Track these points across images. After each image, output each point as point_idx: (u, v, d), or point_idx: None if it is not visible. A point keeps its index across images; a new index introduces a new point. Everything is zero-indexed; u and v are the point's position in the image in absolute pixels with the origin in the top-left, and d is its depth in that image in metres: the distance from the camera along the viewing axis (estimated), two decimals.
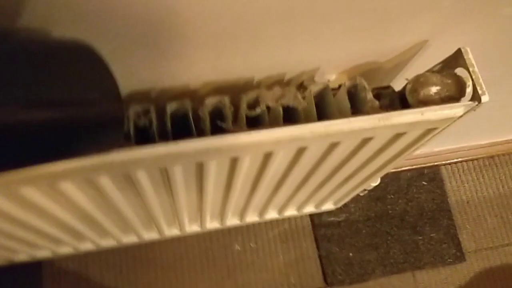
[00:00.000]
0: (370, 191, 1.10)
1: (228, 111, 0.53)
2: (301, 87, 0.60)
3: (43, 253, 0.93)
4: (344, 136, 0.54)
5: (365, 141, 0.58)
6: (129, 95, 0.57)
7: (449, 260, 1.13)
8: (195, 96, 0.60)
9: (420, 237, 1.14)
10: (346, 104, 0.54)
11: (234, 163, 0.57)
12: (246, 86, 0.60)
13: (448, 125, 0.57)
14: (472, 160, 1.21)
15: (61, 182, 0.51)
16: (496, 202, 1.20)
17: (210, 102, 0.54)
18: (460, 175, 1.20)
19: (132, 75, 0.53)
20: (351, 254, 1.12)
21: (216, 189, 0.70)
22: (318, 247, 1.13)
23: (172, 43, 0.48)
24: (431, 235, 1.15)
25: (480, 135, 1.14)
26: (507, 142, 1.18)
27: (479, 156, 1.20)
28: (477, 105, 0.53)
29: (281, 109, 0.53)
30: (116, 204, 0.65)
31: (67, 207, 0.63)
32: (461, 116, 0.54)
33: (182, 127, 0.54)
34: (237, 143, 0.50)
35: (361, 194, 1.10)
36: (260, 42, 0.51)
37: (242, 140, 0.50)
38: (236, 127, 0.53)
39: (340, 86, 0.59)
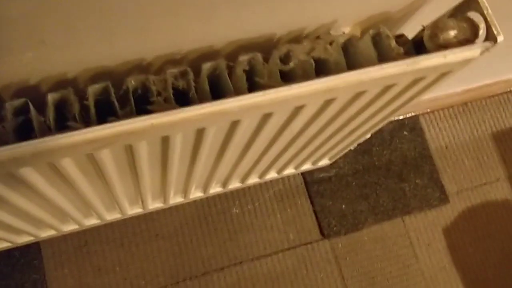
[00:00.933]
0: (356, 146, 1.14)
1: (262, 67, 0.54)
2: (318, 40, 0.61)
3: (47, 233, 0.91)
4: (373, 84, 0.56)
5: (386, 89, 0.61)
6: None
7: (434, 203, 1.20)
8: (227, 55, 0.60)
9: (406, 184, 1.20)
10: (373, 52, 0.56)
11: (265, 119, 0.58)
12: (266, 43, 0.61)
13: (463, 68, 0.60)
14: (448, 108, 1.27)
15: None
16: (472, 146, 1.27)
17: (243, 58, 0.54)
18: (438, 123, 1.27)
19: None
20: (343, 206, 1.17)
21: (235, 150, 0.71)
22: (312, 203, 1.16)
23: None
24: (416, 181, 1.21)
25: (456, 83, 1.20)
26: (479, 88, 1.25)
27: (454, 103, 1.27)
28: (493, 45, 0.56)
29: (313, 62, 0.55)
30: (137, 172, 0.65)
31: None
32: (477, 57, 0.58)
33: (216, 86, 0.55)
34: (273, 98, 0.51)
35: (352, 148, 1.14)
36: None
37: (280, 94, 0.51)
38: (270, 82, 0.53)
39: (356, 37, 0.61)
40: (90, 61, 0.53)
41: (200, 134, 0.58)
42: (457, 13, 0.60)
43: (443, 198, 1.21)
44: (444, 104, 1.25)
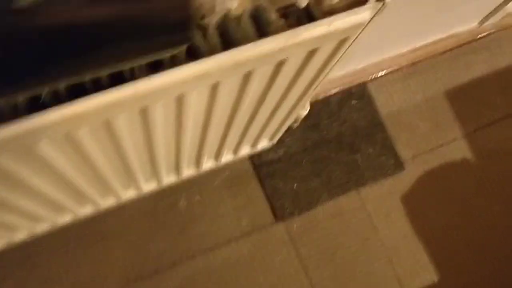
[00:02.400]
0: (303, 121, 1.10)
1: None
2: (203, 19, 0.56)
3: None
4: (256, 63, 0.51)
5: (280, 65, 0.56)
6: None
7: (389, 171, 1.16)
8: None
9: (359, 155, 1.16)
10: (249, 29, 0.51)
11: (144, 114, 0.54)
12: None
13: (360, 32, 0.55)
14: (396, 70, 1.22)
15: None
16: (425, 107, 1.23)
17: None
18: (387, 88, 1.22)
19: None
20: (295, 185, 1.13)
21: (137, 143, 0.66)
22: (263, 186, 1.12)
23: None
24: (369, 151, 1.17)
25: (399, 44, 1.15)
26: (426, 46, 1.20)
27: (402, 64, 1.22)
28: (383, 5, 0.52)
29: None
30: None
31: None
32: (370, 20, 0.53)
33: None
34: (142, 90, 0.47)
35: (295, 126, 1.09)
36: None
37: (144, 87, 0.46)
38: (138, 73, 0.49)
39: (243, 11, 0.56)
40: None
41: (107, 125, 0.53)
42: None
43: (398, 165, 1.17)
44: (391, 66, 1.20)
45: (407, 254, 1.14)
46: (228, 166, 1.12)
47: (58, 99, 0.45)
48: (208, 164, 0.98)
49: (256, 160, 1.13)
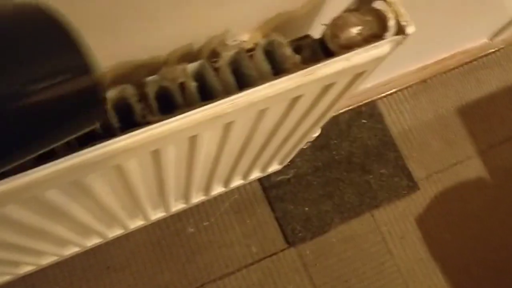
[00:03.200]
0: (313, 141, 1.07)
1: (137, 102, 0.46)
2: (214, 54, 0.53)
3: None
4: (271, 101, 0.48)
5: (295, 100, 0.53)
6: None
7: (403, 192, 1.13)
8: None
9: (371, 176, 1.13)
10: (265, 65, 0.48)
11: (156, 155, 0.51)
12: (154, 66, 0.53)
13: (377, 65, 0.52)
14: (406, 88, 1.19)
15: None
16: (436, 125, 1.20)
17: (112, 93, 0.46)
18: (397, 105, 1.19)
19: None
20: (306, 208, 1.09)
21: (147, 179, 0.63)
22: (273, 209, 1.09)
23: None
24: (381, 171, 1.13)
25: (409, 61, 1.12)
26: (436, 63, 1.17)
27: (412, 82, 1.19)
28: (403, 38, 0.49)
29: (194, 86, 0.47)
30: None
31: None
32: (388, 53, 0.50)
33: None
34: (154, 135, 0.44)
35: (304, 147, 1.06)
36: (157, 13, 0.44)
37: (158, 131, 0.43)
38: (150, 117, 0.46)
39: (256, 45, 0.53)
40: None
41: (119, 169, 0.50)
42: (362, 4, 0.52)
43: (412, 186, 1.14)
44: (401, 84, 1.17)
45: (423, 278, 1.10)
46: (236, 189, 1.09)
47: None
48: (217, 190, 0.95)
49: (265, 181, 1.10)
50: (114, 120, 0.45)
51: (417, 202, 1.14)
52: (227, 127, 0.52)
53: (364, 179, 1.12)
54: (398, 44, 0.49)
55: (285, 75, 0.46)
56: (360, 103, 1.15)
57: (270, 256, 1.07)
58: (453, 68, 1.20)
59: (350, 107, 1.14)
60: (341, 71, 0.48)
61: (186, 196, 0.89)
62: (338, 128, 1.14)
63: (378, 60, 0.50)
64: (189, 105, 0.46)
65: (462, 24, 1.06)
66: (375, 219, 1.12)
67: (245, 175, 0.94)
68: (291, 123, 0.62)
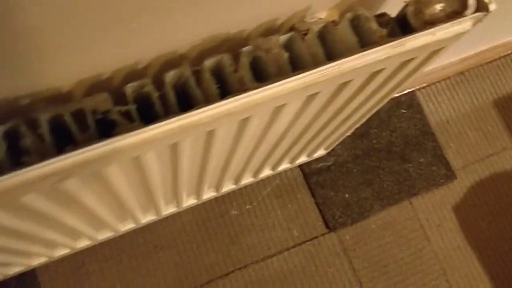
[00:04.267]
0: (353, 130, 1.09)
1: (231, 69, 0.49)
2: (293, 30, 0.56)
3: (38, 260, 0.87)
4: (357, 73, 0.50)
5: (374, 75, 0.55)
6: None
7: (441, 181, 1.15)
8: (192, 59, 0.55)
9: (410, 165, 1.15)
10: (352, 38, 0.50)
11: (243, 123, 0.53)
12: (236, 41, 0.56)
13: (454, 43, 0.55)
14: (444, 79, 1.21)
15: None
16: (473, 116, 1.22)
17: (210, 62, 0.49)
18: (435, 97, 1.21)
19: None
20: (346, 195, 1.12)
21: (219, 156, 0.66)
22: (313, 195, 1.11)
23: None
24: (420, 160, 1.16)
25: (451, 53, 1.14)
26: (476, 55, 1.19)
27: (450, 74, 1.21)
28: (485, 15, 0.51)
29: (286, 56, 0.49)
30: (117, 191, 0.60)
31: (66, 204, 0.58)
32: (469, 30, 0.52)
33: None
34: (247, 102, 0.46)
35: (349, 134, 1.08)
36: None
37: (253, 98, 0.46)
38: (249, 84, 0.48)
39: (334, 21, 0.55)
40: (41, 82, 0.48)
41: (174, 149, 0.52)
42: None
43: (450, 175, 1.16)
44: (440, 76, 1.19)
45: (460, 265, 1.12)
46: (278, 175, 1.12)
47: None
48: (265, 173, 0.98)
49: (305, 168, 1.12)
50: (213, 88, 0.47)
51: (454, 191, 1.16)
52: (308, 100, 0.55)
53: (403, 167, 1.15)
54: (479, 21, 0.51)
55: (375, 46, 0.48)
56: (400, 93, 1.17)
57: (311, 240, 1.09)
58: (491, 61, 1.22)
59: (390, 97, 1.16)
60: (425, 45, 0.50)
61: (238, 177, 0.91)
62: (378, 118, 1.16)
63: (458, 37, 0.52)
64: (280, 76, 0.48)
65: (504, 16, 1.08)
66: (414, 206, 1.14)
67: (293, 159, 0.96)
68: (360, 100, 0.64)
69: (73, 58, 0.46)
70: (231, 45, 0.55)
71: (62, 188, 0.48)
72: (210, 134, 0.53)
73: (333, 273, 1.08)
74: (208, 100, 0.46)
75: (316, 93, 0.53)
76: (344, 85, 0.54)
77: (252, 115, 0.51)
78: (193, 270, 1.04)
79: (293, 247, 1.08)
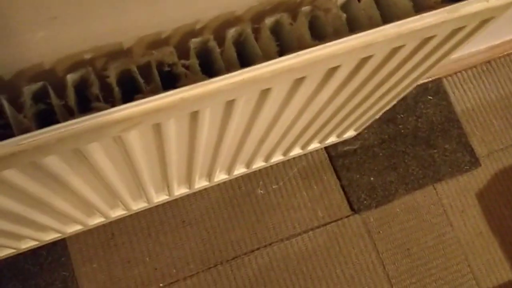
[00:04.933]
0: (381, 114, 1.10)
1: (290, 28, 0.50)
2: None
3: (73, 228, 0.89)
4: (412, 37, 0.52)
5: (424, 42, 0.56)
6: None
7: (465, 167, 1.16)
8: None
9: (435, 150, 1.16)
10: (407, 2, 0.52)
11: (296, 84, 0.55)
12: (290, 4, 0.57)
13: (503, 13, 0.56)
14: (471, 68, 1.22)
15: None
16: (499, 105, 1.22)
17: (270, 20, 0.50)
18: (462, 85, 1.22)
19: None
20: (372, 178, 1.13)
21: (263, 124, 0.67)
22: (339, 178, 1.13)
23: None
24: (445, 146, 1.17)
25: (479, 40, 1.15)
26: (503, 44, 1.19)
27: (477, 63, 1.22)
28: None
29: (344, 17, 0.51)
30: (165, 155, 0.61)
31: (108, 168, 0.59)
32: None
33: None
34: (307, 59, 0.48)
35: (377, 117, 1.10)
36: None
37: (314, 55, 0.47)
38: (300, 43, 0.49)
39: None
40: (105, 38, 0.49)
41: (228, 107, 0.54)
42: None
43: (474, 162, 1.17)
44: (467, 64, 1.20)
45: (482, 251, 1.13)
46: (304, 156, 1.13)
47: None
48: (294, 152, 0.99)
49: (332, 150, 1.13)
50: (273, 45, 0.49)
51: (478, 178, 1.17)
52: (360, 64, 0.56)
53: (428, 153, 1.16)
54: None
55: (430, 11, 0.49)
56: (427, 80, 1.18)
57: (336, 221, 1.11)
58: None
59: (418, 83, 1.17)
60: (478, 12, 0.51)
61: (270, 154, 0.93)
62: (405, 103, 1.17)
63: (509, 6, 0.53)
64: (337, 36, 0.49)
65: None
66: (438, 192, 1.15)
67: (324, 138, 0.98)
68: (405, 69, 0.65)
69: (138, 14, 0.47)
70: (286, 8, 0.56)
71: (125, 139, 0.49)
72: (263, 95, 0.54)
73: (357, 254, 1.09)
74: (267, 58, 0.48)
75: (369, 57, 0.54)
76: (396, 50, 0.55)
77: (306, 76, 0.52)
78: (220, 246, 1.05)
79: (318, 227, 1.10)
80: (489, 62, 1.23)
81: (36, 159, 0.45)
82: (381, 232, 1.11)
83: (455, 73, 1.21)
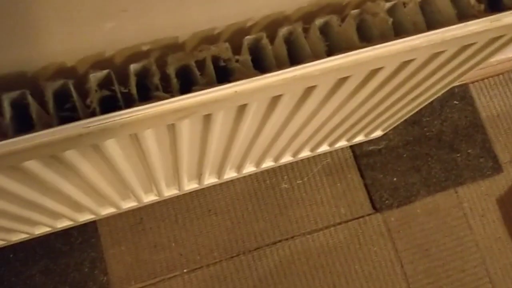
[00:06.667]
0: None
1: (338, 30, 0.53)
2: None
3: (107, 211, 0.92)
4: (453, 43, 0.54)
5: (463, 49, 0.59)
6: None
7: (487, 172, 1.18)
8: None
9: (458, 155, 1.18)
10: (451, 10, 0.54)
11: (339, 84, 0.57)
12: (339, 5, 0.59)
13: None
14: (497, 75, 1.24)
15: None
16: None
17: (320, 21, 0.53)
18: (488, 91, 1.23)
19: None
20: (395, 178, 1.15)
21: (300, 119, 0.70)
22: (362, 176, 1.15)
23: None
24: (468, 151, 1.18)
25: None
26: None
27: (504, 70, 1.23)
28: None
29: (390, 21, 0.53)
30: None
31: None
32: None
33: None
34: (355, 60, 0.50)
35: (405, 118, 1.12)
36: None
37: (361, 56, 0.50)
38: (349, 44, 0.52)
39: None
40: (164, 31, 0.52)
41: (274, 102, 0.57)
42: None
43: (496, 168, 1.18)
44: (494, 71, 1.22)
45: (500, 256, 1.15)
46: (329, 153, 1.15)
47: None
48: (322, 148, 1.02)
49: (357, 149, 1.16)
50: (321, 45, 0.51)
51: (500, 183, 1.19)
52: (401, 67, 0.59)
53: (451, 156, 1.18)
54: None
55: (473, 19, 0.52)
56: (454, 85, 1.20)
57: (357, 218, 1.13)
58: None
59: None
60: None
61: (299, 150, 0.95)
62: (431, 106, 1.19)
63: None
64: (383, 39, 0.52)
65: None
66: (459, 195, 1.17)
67: (352, 137, 1.00)
68: (439, 75, 0.67)
69: (195, 10, 0.50)
70: (332, 9, 0.59)
71: (178, 127, 0.52)
72: (307, 92, 0.57)
73: (376, 252, 1.12)
74: (316, 57, 0.51)
75: (410, 60, 0.56)
76: (436, 55, 0.57)
77: (350, 76, 0.55)
78: (243, 236, 1.08)
79: (339, 224, 1.12)
80: None
81: (98, 142, 0.48)
82: (401, 231, 1.13)
83: (482, 79, 1.22)
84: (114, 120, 0.44)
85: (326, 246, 1.11)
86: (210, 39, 0.56)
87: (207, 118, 0.54)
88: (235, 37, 0.56)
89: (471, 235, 1.15)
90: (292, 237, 1.10)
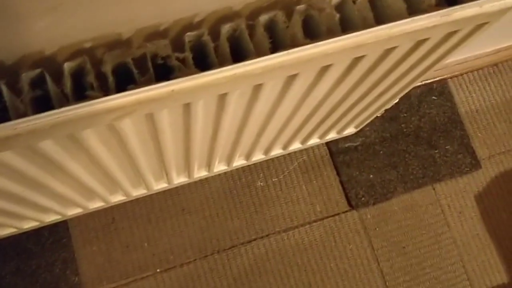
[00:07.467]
0: (383, 112, 1.11)
1: (284, 26, 0.51)
2: None
3: (74, 211, 0.91)
4: (405, 39, 0.52)
5: (418, 44, 0.57)
6: None
7: (466, 169, 1.16)
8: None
9: (436, 151, 1.17)
10: (401, 5, 0.53)
11: (289, 81, 0.56)
12: (287, 1, 0.58)
13: (498, 19, 0.56)
14: (477, 70, 1.22)
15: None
16: (503, 108, 1.22)
17: (264, 18, 0.51)
18: (467, 86, 1.22)
19: None
20: (371, 175, 1.14)
21: (259, 117, 0.69)
22: (338, 174, 1.14)
23: None
24: (446, 147, 1.17)
25: (483, 43, 1.15)
26: (510, 47, 1.19)
27: (484, 65, 1.21)
28: None
29: (337, 17, 0.52)
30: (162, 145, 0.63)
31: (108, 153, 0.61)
32: None
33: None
34: (299, 57, 0.49)
35: (379, 115, 1.10)
36: None
37: (305, 53, 0.48)
38: (294, 41, 0.51)
39: None
40: (105, 28, 0.51)
41: (221, 100, 0.55)
42: None
43: (475, 164, 1.17)
44: (473, 66, 1.20)
45: (477, 252, 1.14)
46: (305, 151, 1.14)
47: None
48: (294, 146, 1.00)
49: (333, 146, 1.14)
50: (266, 42, 0.50)
51: (478, 180, 1.18)
52: (353, 64, 0.57)
53: (429, 153, 1.16)
54: None
55: (423, 14, 0.50)
56: (432, 80, 1.18)
57: (333, 216, 1.12)
58: None
59: (423, 83, 1.18)
60: (471, 17, 0.52)
61: (269, 147, 0.94)
62: (409, 102, 1.17)
63: (503, 12, 0.54)
64: (330, 35, 0.50)
65: None
66: (436, 192, 1.15)
67: (324, 134, 0.99)
68: (401, 71, 0.66)
69: (138, 4, 0.48)
70: (283, 5, 0.57)
71: (118, 127, 0.51)
72: (256, 90, 0.56)
73: (352, 250, 1.10)
74: (259, 54, 0.49)
75: (362, 57, 0.55)
76: (389, 51, 0.56)
77: (299, 73, 0.53)
78: (217, 235, 1.07)
79: (315, 221, 1.11)
80: (495, 65, 1.23)
81: (32, 143, 0.47)
82: (377, 229, 1.12)
83: (461, 74, 1.21)
84: (43, 121, 0.43)
85: (301, 244, 1.10)
86: (156, 35, 0.55)
87: (151, 118, 0.53)
88: (182, 33, 0.54)
89: (449, 232, 1.14)
90: (267, 235, 1.09)
